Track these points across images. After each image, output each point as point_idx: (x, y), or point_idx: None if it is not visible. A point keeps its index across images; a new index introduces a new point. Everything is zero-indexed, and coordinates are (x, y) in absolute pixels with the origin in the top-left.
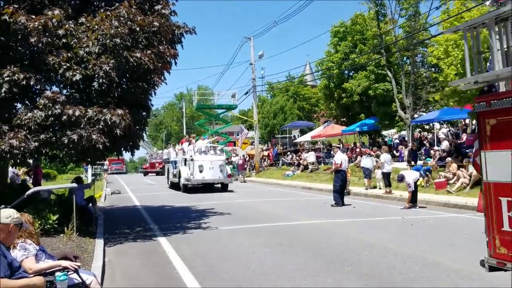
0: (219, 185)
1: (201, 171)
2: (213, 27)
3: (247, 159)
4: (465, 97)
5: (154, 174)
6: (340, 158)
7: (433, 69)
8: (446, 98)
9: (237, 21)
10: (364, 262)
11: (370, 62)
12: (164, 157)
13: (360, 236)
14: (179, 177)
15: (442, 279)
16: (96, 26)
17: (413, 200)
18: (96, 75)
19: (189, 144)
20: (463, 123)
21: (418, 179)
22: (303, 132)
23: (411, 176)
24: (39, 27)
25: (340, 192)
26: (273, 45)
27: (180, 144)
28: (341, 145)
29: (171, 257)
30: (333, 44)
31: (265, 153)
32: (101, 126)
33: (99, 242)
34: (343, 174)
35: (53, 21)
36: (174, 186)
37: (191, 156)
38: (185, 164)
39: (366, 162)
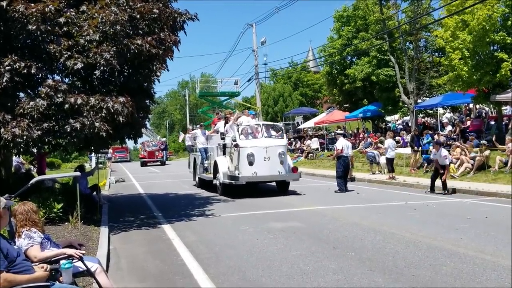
0: (273, 183)
1: (251, 163)
2: (215, 14)
3: None
4: (468, 82)
5: (159, 163)
6: (341, 144)
7: (436, 53)
8: (450, 83)
9: (239, 8)
10: (367, 247)
11: (373, 48)
12: (187, 143)
13: (363, 221)
14: (215, 171)
15: (445, 264)
16: (96, 14)
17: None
18: (98, 63)
19: (226, 123)
20: (467, 108)
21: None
22: (306, 119)
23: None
24: (37, 14)
25: (343, 177)
26: (275, 31)
27: (212, 125)
28: (344, 130)
29: (175, 244)
30: (336, 29)
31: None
32: (103, 114)
33: (104, 230)
34: (345, 160)
35: (51, 8)
36: (206, 184)
37: (235, 141)
38: (225, 153)
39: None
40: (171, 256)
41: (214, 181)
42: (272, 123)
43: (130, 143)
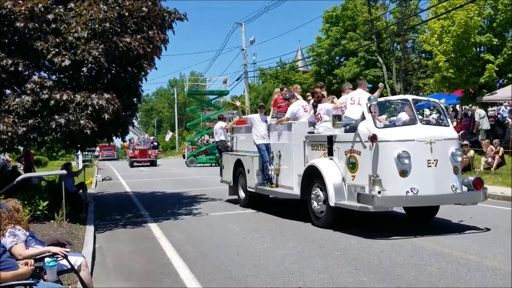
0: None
1: (404, 173)
2: (205, 12)
3: None
4: (455, 83)
5: (148, 164)
6: None
7: (423, 55)
8: (436, 84)
9: (229, 6)
10: (353, 246)
11: (361, 48)
12: (219, 137)
13: (349, 220)
14: (306, 185)
15: (430, 264)
16: (84, 11)
17: None
18: (85, 61)
19: (318, 102)
20: (452, 109)
21: None
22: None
23: None
24: (26, 12)
25: None
26: (265, 30)
27: (274, 108)
28: None
29: (161, 243)
30: (325, 30)
31: None
32: (89, 111)
33: (90, 228)
34: None
35: (39, 6)
36: (261, 202)
37: (377, 128)
38: (331, 153)
39: None
40: (157, 254)
41: (286, 195)
42: (423, 97)
43: (118, 141)
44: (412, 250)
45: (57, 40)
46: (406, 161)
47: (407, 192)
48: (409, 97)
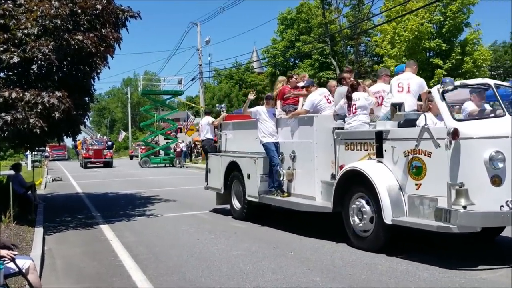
0: None
1: (497, 181)
2: (160, 11)
3: (193, 145)
4: None
5: (103, 165)
6: None
7: (375, 58)
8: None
9: (184, 6)
10: (306, 247)
11: (315, 51)
12: (205, 135)
13: (302, 221)
14: (342, 191)
15: (380, 263)
16: (35, 7)
17: None
18: (35, 58)
19: (355, 89)
20: None
21: None
22: None
23: None
24: None
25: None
26: (220, 31)
27: (281, 101)
28: None
29: (113, 245)
30: (280, 32)
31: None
32: (39, 110)
33: (39, 230)
34: None
35: None
36: (259, 214)
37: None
38: (381, 154)
39: None
40: (108, 257)
41: (306, 206)
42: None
43: (68, 141)
44: (363, 250)
45: (5, 36)
46: (500, 164)
47: (501, 206)
48: (490, 81)
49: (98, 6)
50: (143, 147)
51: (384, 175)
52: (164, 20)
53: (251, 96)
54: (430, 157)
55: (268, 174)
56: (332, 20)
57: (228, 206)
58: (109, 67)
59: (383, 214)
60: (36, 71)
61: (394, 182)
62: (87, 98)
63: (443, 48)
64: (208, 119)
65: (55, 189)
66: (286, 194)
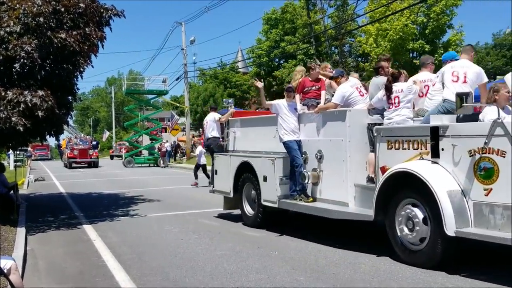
0: None
1: None
2: (144, 11)
3: (177, 145)
4: None
5: (89, 165)
6: None
7: (359, 59)
8: None
9: (169, 5)
10: (290, 246)
11: (300, 51)
12: (212, 133)
13: (287, 222)
14: (385, 197)
15: (364, 262)
16: (17, 5)
17: None
18: (18, 56)
19: (397, 78)
20: None
21: None
22: None
23: None
24: None
25: None
26: (205, 31)
27: (300, 95)
28: None
29: (96, 245)
30: (265, 32)
31: (196, 139)
32: (21, 109)
33: (21, 231)
34: None
35: None
36: (274, 220)
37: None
38: (437, 154)
39: None
40: (91, 257)
41: (338, 213)
42: None
43: (51, 141)
44: (347, 249)
45: None
46: None
47: None
48: None
49: (81, 5)
50: (123, 146)
51: (443, 178)
52: (149, 19)
53: (260, 84)
54: (504, 157)
55: (289, 176)
56: (316, 21)
57: (234, 211)
58: (92, 66)
59: (444, 224)
60: (18, 69)
61: (456, 186)
62: (70, 97)
63: (426, 49)
64: (214, 115)
65: (37, 189)
66: (311, 199)
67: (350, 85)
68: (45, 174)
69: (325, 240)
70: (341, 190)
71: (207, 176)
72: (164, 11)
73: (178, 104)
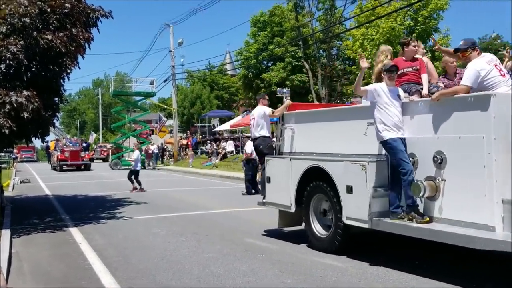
0: None
1: None
2: (133, 12)
3: (165, 147)
4: None
5: (82, 168)
6: (250, 147)
7: (347, 62)
8: None
9: (157, 7)
10: (277, 249)
11: (288, 54)
12: (258, 132)
13: (273, 224)
14: None
15: (352, 266)
16: (3, 5)
17: None
18: (3, 57)
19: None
20: None
21: None
22: (222, 121)
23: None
24: None
25: (252, 180)
26: (193, 33)
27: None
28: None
29: (82, 248)
30: (253, 34)
31: (184, 141)
32: (7, 110)
33: (6, 233)
34: (254, 163)
35: None
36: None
37: None
38: None
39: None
40: (77, 259)
41: (481, 242)
42: None
43: (37, 142)
44: (334, 252)
45: None
46: None
47: None
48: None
49: (67, 5)
50: (104, 149)
51: None
52: (137, 20)
53: (365, 64)
54: None
55: (389, 186)
56: (304, 24)
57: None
58: (79, 67)
59: None
60: (4, 70)
61: None
62: (56, 99)
63: None
64: (263, 109)
65: (23, 191)
66: (426, 219)
67: (486, 61)
68: (30, 176)
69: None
70: (481, 208)
71: (132, 181)
72: (152, 12)
73: (165, 106)
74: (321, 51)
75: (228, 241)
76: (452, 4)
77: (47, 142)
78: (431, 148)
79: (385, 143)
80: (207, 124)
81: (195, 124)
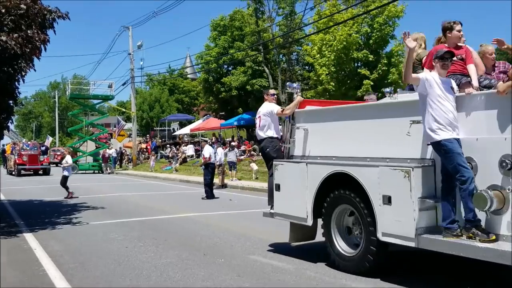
0: None
1: None
2: (90, 14)
3: (124, 151)
4: (335, 95)
5: (40, 173)
6: (208, 151)
7: (306, 67)
8: (318, 96)
9: (116, 9)
10: (237, 253)
11: (248, 58)
12: (264, 133)
13: (234, 228)
14: None
15: (309, 268)
16: None
17: None
18: None
19: None
20: None
21: None
22: (182, 125)
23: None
24: None
25: (210, 185)
26: (153, 36)
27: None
28: (220, 139)
29: (37, 254)
30: (213, 38)
31: (143, 145)
32: None
33: None
34: (212, 167)
35: None
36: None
37: None
38: None
39: (231, 155)
40: (32, 266)
41: None
42: None
43: None
44: (294, 256)
45: None
46: None
47: None
48: None
49: (22, 6)
50: (58, 153)
51: None
52: (95, 22)
53: (412, 43)
54: None
55: (440, 197)
56: (265, 29)
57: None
58: (35, 70)
59: None
60: None
61: None
62: (11, 102)
63: (370, 59)
64: (271, 107)
65: None
66: (493, 237)
67: None
68: None
69: (271, 247)
70: None
71: (66, 188)
72: (111, 14)
73: (124, 110)
74: (281, 56)
75: (187, 246)
76: (408, 8)
77: (3, 145)
78: (496, 151)
79: (438, 145)
80: (166, 128)
81: (154, 128)
